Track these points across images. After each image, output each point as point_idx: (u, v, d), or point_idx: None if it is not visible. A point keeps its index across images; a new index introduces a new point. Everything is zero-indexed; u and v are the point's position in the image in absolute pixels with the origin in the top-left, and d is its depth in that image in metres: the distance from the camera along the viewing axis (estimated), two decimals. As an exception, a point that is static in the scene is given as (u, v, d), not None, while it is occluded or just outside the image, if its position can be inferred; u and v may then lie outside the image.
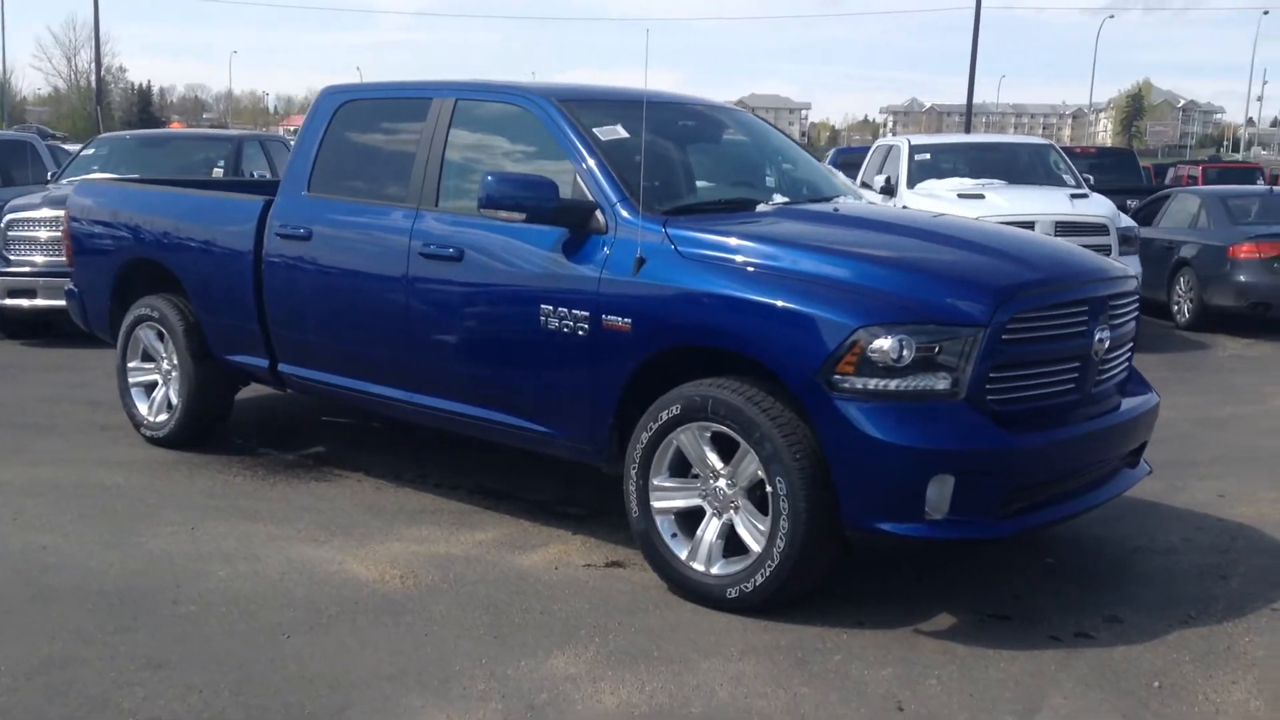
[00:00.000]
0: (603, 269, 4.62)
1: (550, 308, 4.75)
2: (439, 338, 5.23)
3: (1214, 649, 4.13)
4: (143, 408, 6.69)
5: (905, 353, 3.97)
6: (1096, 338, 4.43)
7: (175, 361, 6.50)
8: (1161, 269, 11.90)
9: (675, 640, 4.14)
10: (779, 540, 4.17)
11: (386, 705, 3.64)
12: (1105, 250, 9.82)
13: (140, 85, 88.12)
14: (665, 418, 4.43)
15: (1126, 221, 10.89)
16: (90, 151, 12.20)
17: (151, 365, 6.69)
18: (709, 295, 4.32)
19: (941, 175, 11.77)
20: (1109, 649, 4.12)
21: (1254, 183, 23.83)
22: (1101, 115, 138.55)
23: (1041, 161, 12.30)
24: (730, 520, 4.40)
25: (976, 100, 42.98)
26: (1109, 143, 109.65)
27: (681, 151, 5.47)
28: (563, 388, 4.80)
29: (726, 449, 4.39)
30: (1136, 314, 4.88)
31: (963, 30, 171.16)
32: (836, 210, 5.17)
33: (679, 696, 3.72)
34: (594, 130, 4.97)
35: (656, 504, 4.53)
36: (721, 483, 4.40)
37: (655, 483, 4.53)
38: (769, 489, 4.19)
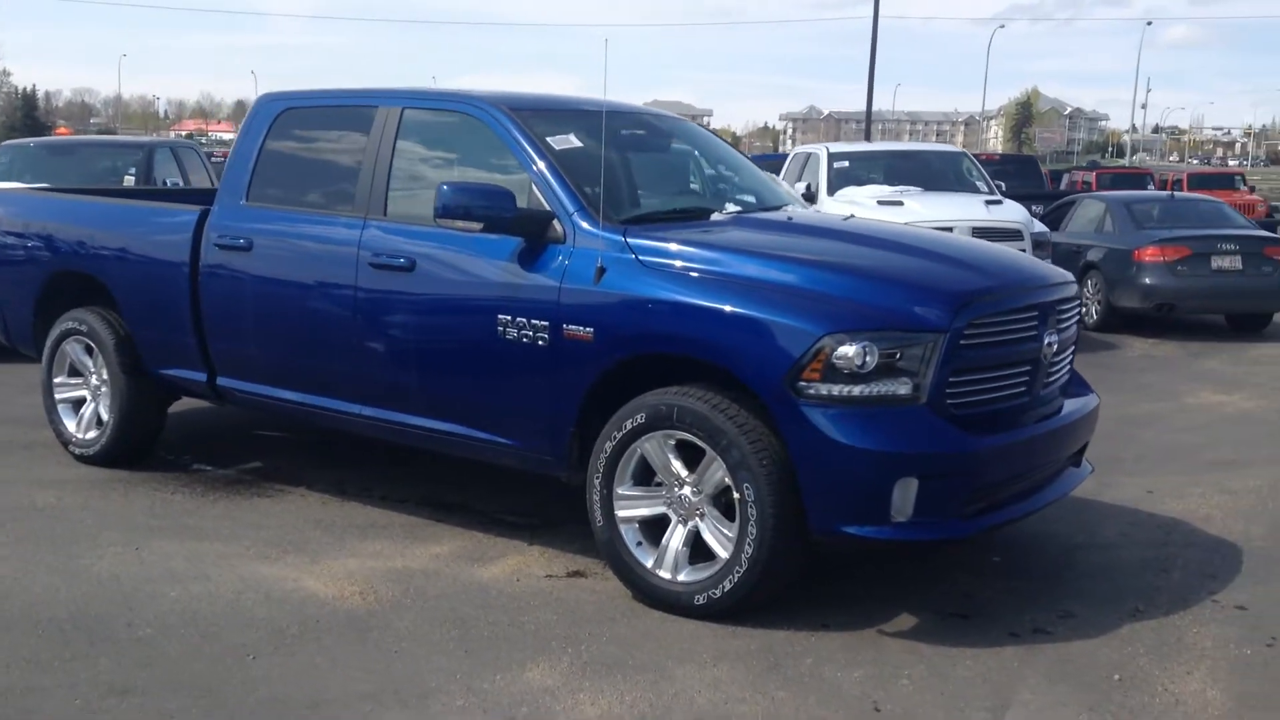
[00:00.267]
0: (562, 278, 4.62)
1: (508, 318, 4.74)
2: (390, 349, 5.18)
3: (1165, 641, 4.28)
4: (71, 425, 6.49)
5: (869, 359, 4.05)
6: (1046, 341, 4.57)
7: (105, 377, 6.32)
8: (1069, 272, 12.21)
9: (647, 648, 4.16)
10: (747, 546, 4.21)
11: (367, 724, 3.60)
12: (1020, 255, 10.07)
13: (24, 89, 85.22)
14: (630, 426, 4.45)
15: (1039, 227, 11.21)
16: (-8, 159, 11.80)
17: (79, 380, 6.50)
18: (674, 304, 4.36)
19: (860, 183, 11.98)
20: (1066, 644, 4.25)
21: (1145, 188, 24.72)
22: (992, 122, 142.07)
23: (955, 169, 12.59)
24: (696, 527, 4.43)
25: (873, 108, 43.72)
26: (1000, 149, 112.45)
27: (632, 161, 5.50)
28: (522, 398, 4.79)
29: (691, 457, 4.42)
30: (1078, 318, 5.04)
31: (858, 40, 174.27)
32: (790, 219, 5.24)
33: (659, 705, 3.74)
34: (547, 139, 4.97)
35: (621, 513, 4.55)
36: (686, 490, 4.43)
37: (619, 492, 4.55)
38: (736, 496, 4.23)
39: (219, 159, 16.88)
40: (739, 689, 3.85)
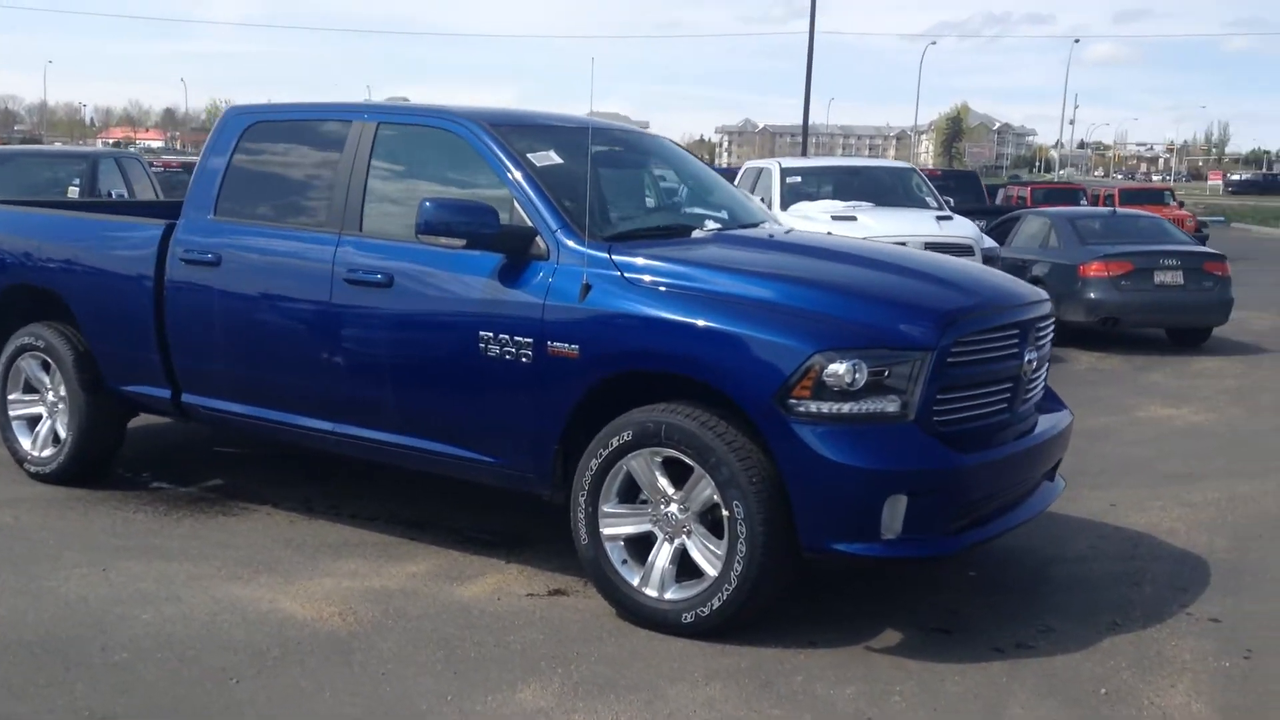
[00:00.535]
0: (546, 295, 4.60)
1: (490, 334, 4.70)
2: (367, 366, 5.11)
3: (1146, 654, 4.35)
4: (26, 442, 6.32)
5: (858, 377, 4.07)
6: (1026, 359, 4.63)
7: (63, 393, 6.16)
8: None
9: (637, 667, 4.14)
10: (736, 564, 4.21)
11: (361, 749, 3.54)
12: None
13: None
14: (616, 444, 4.43)
15: (989, 242, 11.38)
16: (-73, 169, 11.48)
17: (35, 397, 6.33)
18: (661, 321, 4.35)
19: (811, 198, 12.08)
20: (1050, 658, 4.30)
21: (1078, 203, 25.19)
22: (924, 137, 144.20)
23: (904, 184, 12.74)
24: (683, 545, 4.42)
25: (808, 122, 44.09)
26: (931, 163, 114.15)
27: (611, 178, 5.49)
28: (504, 415, 4.75)
29: (678, 474, 4.42)
30: (1052, 335, 5.11)
31: (792, 54, 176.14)
32: (772, 236, 5.26)
33: (656, 725, 3.72)
34: (528, 155, 4.94)
35: (606, 531, 4.52)
36: (673, 508, 4.42)
37: (604, 509, 4.52)
38: (725, 513, 4.23)
39: (158, 169, 16.60)
40: (733, 708, 3.84)
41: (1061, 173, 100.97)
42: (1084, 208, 17.70)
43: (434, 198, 4.71)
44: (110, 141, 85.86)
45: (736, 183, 13.58)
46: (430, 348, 4.92)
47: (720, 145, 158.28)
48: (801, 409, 4.10)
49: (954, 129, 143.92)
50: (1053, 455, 4.91)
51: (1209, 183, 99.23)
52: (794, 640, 4.38)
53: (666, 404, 4.38)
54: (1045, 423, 4.91)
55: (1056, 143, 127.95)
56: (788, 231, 5.58)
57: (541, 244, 4.69)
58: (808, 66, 41.26)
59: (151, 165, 16.90)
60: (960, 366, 4.29)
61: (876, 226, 10.68)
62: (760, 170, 13.32)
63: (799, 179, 12.43)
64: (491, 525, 5.72)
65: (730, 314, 4.26)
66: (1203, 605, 4.86)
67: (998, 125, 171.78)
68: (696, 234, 5.07)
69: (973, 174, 24.68)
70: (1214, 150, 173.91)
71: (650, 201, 5.81)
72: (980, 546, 4.51)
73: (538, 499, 5.01)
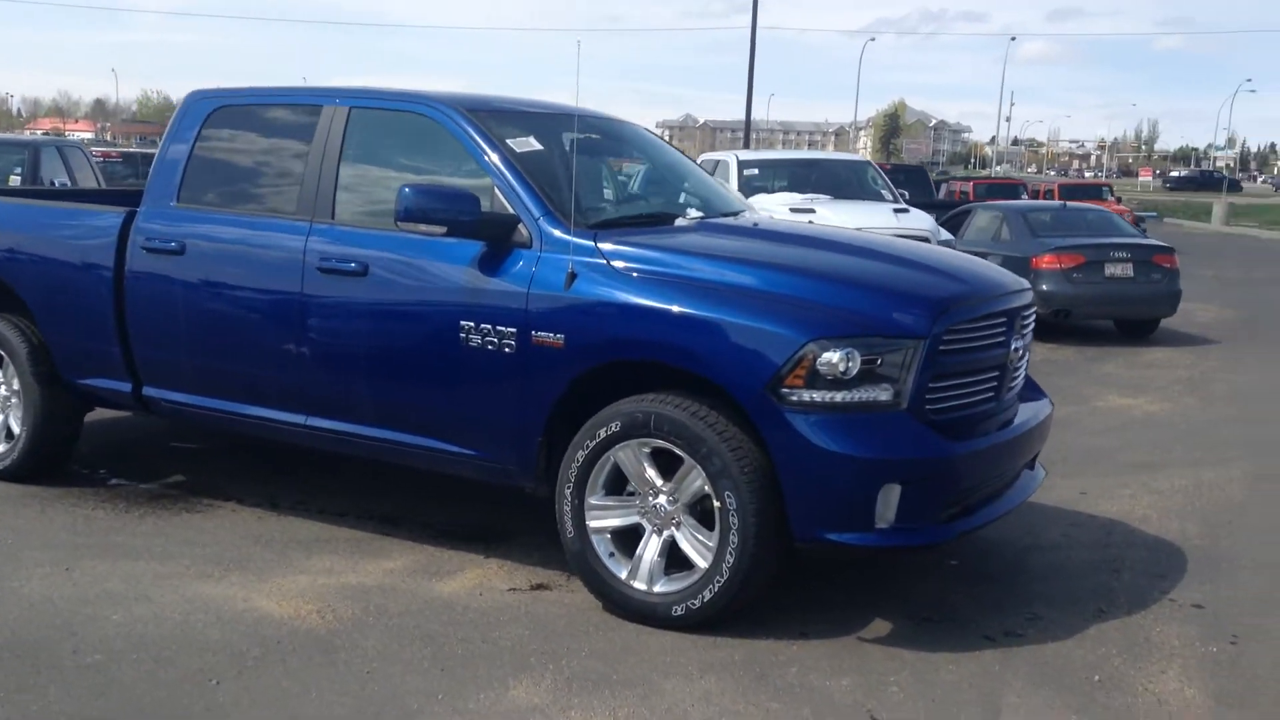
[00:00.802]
0: (530, 284, 4.50)
1: (471, 324, 4.59)
2: (341, 357, 4.98)
3: (1134, 641, 4.36)
4: (-23, 438, 6.10)
5: (851, 365, 4.03)
6: (1012, 347, 4.62)
7: (16, 387, 5.96)
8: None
9: (630, 662, 4.07)
10: (728, 555, 4.15)
11: (354, 750, 3.44)
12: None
13: None
14: (603, 435, 4.35)
15: (945, 235, 11.46)
16: None
17: (-14, 392, 6.11)
18: (651, 310, 4.27)
19: (769, 190, 12.07)
20: (1040, 646, 4.29)
21: (1019, 197, 25.47)
22: (862, 133, 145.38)
23: (859, 177, 12.78)
24: (671, 537, 4.36)
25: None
26: (870, 159, 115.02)
27: (591, 165, 5.40)
28: (486, 407, 4.65)
29: (666, 465, 4.35)
30: (1033, 324, 5.11)
31: (733, 49, 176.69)
32: (756, 224, 5.21)
33: (655, 720, 3.66)
34: (507, 141, 4.84)
35: (593, 524, 4.45)
36: (662, 499, 4.35)
37: (591, 502, 4.44)
38: (716, 504, 4.17)
39: (97, 160, 16.21)
40: (731, 701, 3.79)
41: (997, 169, 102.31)
42: (1035, 202, 17.88)
43: (413, 184, 4.59)
44: (38, 132, 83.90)
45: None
46: (408, 338, 4.80)
47: (663, 139, 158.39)
48: (794, 398, 4.05)
49: (892, 125, 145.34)
50: (1036, 444, 4.91)
51: (1140, 179, 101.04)
52: (785, 631, 4.33)
53: (655, 394, 4.31)
54: (1027, 411, 4.91)
55: (991, 139, 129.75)
56: (770, 220, 5.53)
57: (524, 231, 4.59)
58: (750, 62, 41.35)
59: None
60: (951, 354, 4.26)
61: (834, 219, 10.69)
62: (717, 163, 13.30)
63: (756, 171, 12.43)
64: (466, 519, 5.61)
65: (722, 302, 4.20)
66: (1183, 591, 4.89)
67: (934, 122, 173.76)
68: (679, 222, 5.00)
69: (921, 169, 24.89)
70: (1144, 147, 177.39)
71: (630, 189, 5.72)
72: (968, 535, 4.49)
73: (516, 492, 4.93)
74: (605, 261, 4.44)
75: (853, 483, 4.03)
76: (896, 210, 11.47)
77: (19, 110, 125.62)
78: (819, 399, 4.05)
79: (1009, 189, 28.49)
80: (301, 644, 4.16)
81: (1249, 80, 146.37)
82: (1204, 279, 19.34)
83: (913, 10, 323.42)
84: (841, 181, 12.52)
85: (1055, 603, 4.72)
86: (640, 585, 4.37)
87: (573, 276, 4.42)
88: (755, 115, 42.64)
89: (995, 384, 4.55)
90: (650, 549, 4.38)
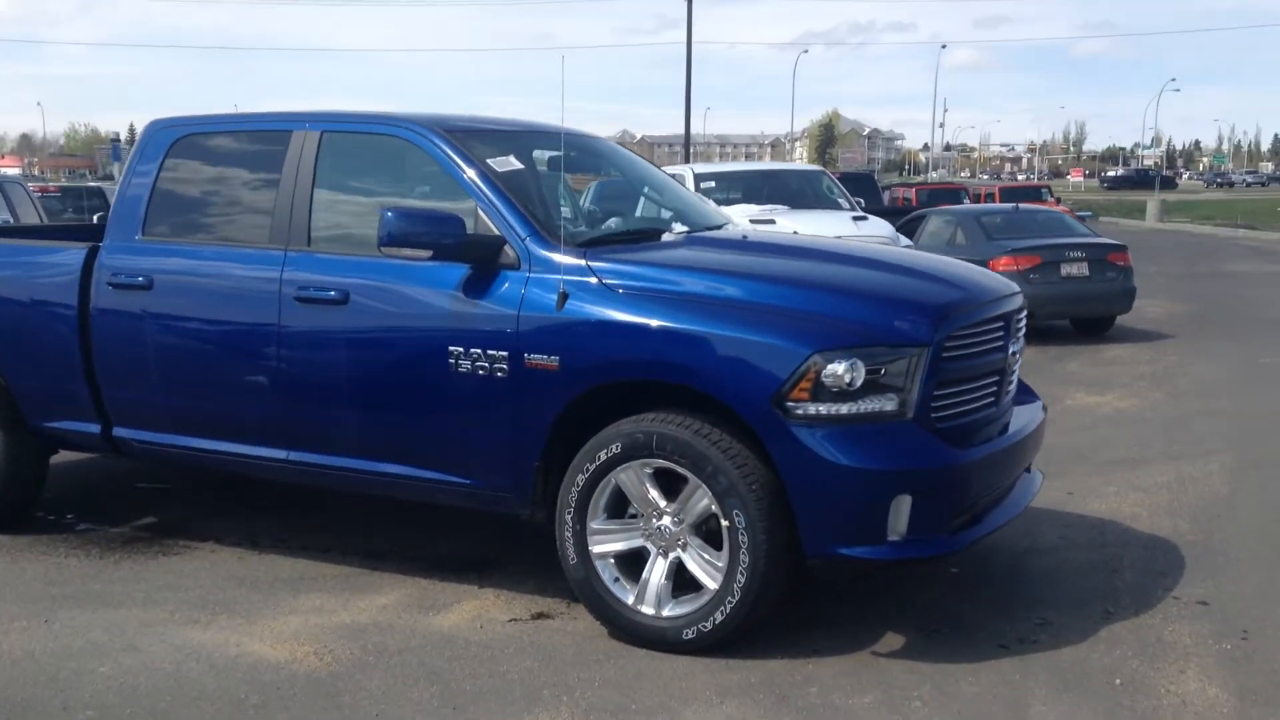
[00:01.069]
0: (520, 305, 4.39)
1: (460, 349, 4.47)
2: (322, 389, 4.83)
3: (1147, 641, 4.32)
4: (-63, 489, 5.85)
5: (856, 376, 3.96)
6: (1010, 351, 4.59)
7: (-23, 433, 5.73)
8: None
9: (645, 690, 3.96)
10: (739, 575, 4.06)
11: (372, 798, 3.30)
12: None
13: None
14: (604, 457, 4.24)
15: (906, 241, 11.47)
16: None
17: (-55, 440, 5.87)
18: (648, 328, 4.18)
19: (725, 203, 12.00)
20: (1055, 651, 4.24)
21: (960, 202, 25.75)
22: (798, 144, 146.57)
23: (814, 187, 12.78)
24: (678, 559, 4.26)
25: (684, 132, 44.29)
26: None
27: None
28: (478, 433, 4.52)
29: (668, 485, 4.25)
30: (1025, 327, 5.08)
31: (665, 65, 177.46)
32: (745, 237, 5.13)
33: (681, 749, 3.55)
34: (488, 161, 4.73)
35: (595, 548, 4.34)
36: (666, 520, 4.26)
37: (593, 526, 4.33)
38: (724, 523, 4.08)
39: (36, 194, 15.82)
40: (755, 725, 3.69)
41: (932, 175, 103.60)
42: (988, 205, 18.05)
43: (395, 207, 4.47)
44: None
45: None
46: (393, 366, 4.67)
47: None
48: (800, 411, 3.98)
49: (827, 135, 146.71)
50: (1035, 447, 4.88)
51: (1071, 179, 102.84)
52: (797, 650, 4.25)
53: (655, 414, 4.21)
54: (1023, 415, 4.88)
55: (924, 145, 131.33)
56: (758, 232, 5.46)
57: (510, 253, 4.48)
58: (687, 77, 41.53)
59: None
60: (954, 361, 4.21)
61: (795, 229, 10.66)
62: (672, 176, 13.21)
63: (712, 184, 12.38)
64: (454, 550, 5.47)
65: (721, 318, 4.12)
66: (1186, 589, 4.87)
67: (868, 130, 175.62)
68: (666, 238, 4.92)
69: (870, 176, 25.07)
70: (1073, 148, 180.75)
71: (611, 206, 5.63)
72: (977, 544, 4.44)
73: (502, 520, 4.82)
74: (597, 280, 4.34)
75: (864, 496, 3.96)
76: (855, 218, 11.47)
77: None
78: (825, 412, 3.97)
79: (951, 194, 28.83)
80: (302, 688, 4.01)
81: (1173, 80, 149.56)
82: (1149, 274, 19.55)
83: (841, 22, 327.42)
84: (796, 192, 12.52)
85: (1061, 606, 4.68)
86: (648, 610, 4.26)
87: (564, 297, 4.32)
88: (692, 129, 42.77)
89: (995, 389, 4.51)
90: (656, 572, 4.28)
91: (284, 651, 4.32)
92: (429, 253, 4.45)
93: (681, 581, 4.28)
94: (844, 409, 3.98)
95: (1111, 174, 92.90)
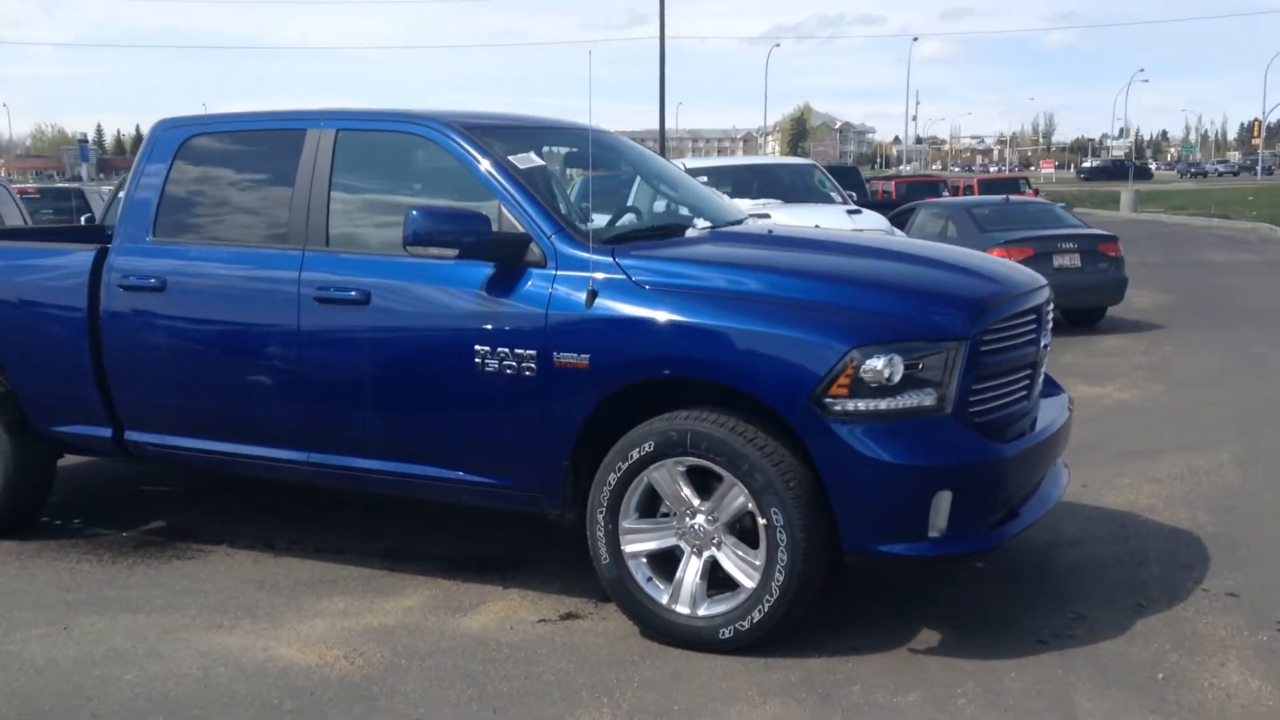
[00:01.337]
0: (548, 304, 4.34)
1: (486, 348, 4.41)
2: (343, 390, 4.76)
3: (1182, 634, 4.31)
4: (-58, 495, 5.74)
5: (895, 371, 3.93)
6: (1041, 344, 4.57)
7: (-17, 438, 5.62)
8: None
9: (686, 691, 3.92)
10: (777, 573, 4.02)
11: (423, 806, 3.24)
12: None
13: None
14: (636, 456, 4.20)
15: (899, 234, 11.45)
16: None
17: (-51, 445, 5.76)
18: (683, 325, 4.13)
19: (718, 197, 11.97)
20: (1094, 646, 4.23)
21: (940, 194, 25.82)
22: (770, 138, 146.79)
23: (805, 181, 12.76)
24: (712, 558, 4.22)
25: (656, 127, 44.11)
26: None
27: (589, 178, 5.24)
28: (506, 433, 4.47)
29: (700, 483, 4.21)
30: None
31: (636, 61, 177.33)
32: (770, 232, 5.09)
33: (730, 751, 3.51)
34: (509, 158, 4.67)
35: (628, 548, 4.29)
36: (700, 519, 4.21)
37: (625, 525, 4.29)
38: (761, 521, 4.04)
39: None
40: (802, 725, 3.66)
41: (904, 168, 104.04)
42: (979, 197, 18.09)
43: (421, 206, 4.40)
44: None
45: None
46: (417, 366, 4.60)
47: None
48: (838, 408, 3.94)
49: (798, 129, 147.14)
50: (1065, 441, 4.86)
51: (1043, 171, 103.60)
52: (833, 648, 4.22)
53: (689, 411, 4.16)
54: (1051, 407, 4.86)
55: (895, 139, 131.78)
56: (783, 227, 5.42)
57: (536, 250, 4.43)
58: (660, 72, 41.39)
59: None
60: (990, 355, 4.19)
61: (791, 222, 10.62)
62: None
63: (704, 179, 12.22)
64: (472, 550, 5.41)
65: (755, 313, 4.07)
66: (1214, 580, 4.87)
67: (839, 124, 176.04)
68: (690, 233, 4.87)
69: (855, 169, 25.07)
70: (1042, 140, 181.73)
71: (631, 201, 5.58)
72: (1015, 538, 4.41)
73: (520, 519, 4.76)
74: (626, 277, 4.29)
75: (905, 492, 3.93)
76: (850, 211, 11.47)
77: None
78: (864, 408, 3.94)
79: (930, 186, 28.92)
80: (336, 693, 3.95)
81: (1142, 70, 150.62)
82: (1130, 265, 19.57)
83: (810, 15, 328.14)
84: (787, 186, 12.49)
85: (1092, 600, 4.67)
86: (683, 609, 4.22)
87: (594, 294, 4.27)
88: (666, 124, 42.64)
89: (1028, 382, 4.50)
90: (691, 571, 4.24)
91: (313, 655, 4.25)
92: (455, 251, 4.39)
93: (714, 580, 4.24)
94: (883, 404, 3.95)
95: (1088, 165, 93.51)
